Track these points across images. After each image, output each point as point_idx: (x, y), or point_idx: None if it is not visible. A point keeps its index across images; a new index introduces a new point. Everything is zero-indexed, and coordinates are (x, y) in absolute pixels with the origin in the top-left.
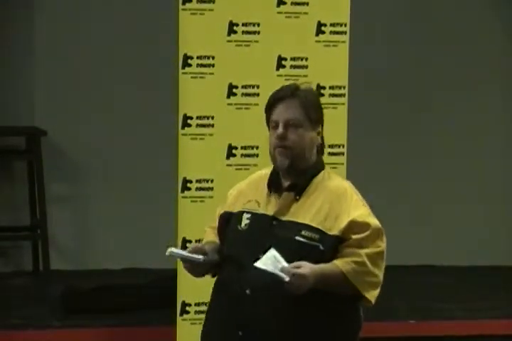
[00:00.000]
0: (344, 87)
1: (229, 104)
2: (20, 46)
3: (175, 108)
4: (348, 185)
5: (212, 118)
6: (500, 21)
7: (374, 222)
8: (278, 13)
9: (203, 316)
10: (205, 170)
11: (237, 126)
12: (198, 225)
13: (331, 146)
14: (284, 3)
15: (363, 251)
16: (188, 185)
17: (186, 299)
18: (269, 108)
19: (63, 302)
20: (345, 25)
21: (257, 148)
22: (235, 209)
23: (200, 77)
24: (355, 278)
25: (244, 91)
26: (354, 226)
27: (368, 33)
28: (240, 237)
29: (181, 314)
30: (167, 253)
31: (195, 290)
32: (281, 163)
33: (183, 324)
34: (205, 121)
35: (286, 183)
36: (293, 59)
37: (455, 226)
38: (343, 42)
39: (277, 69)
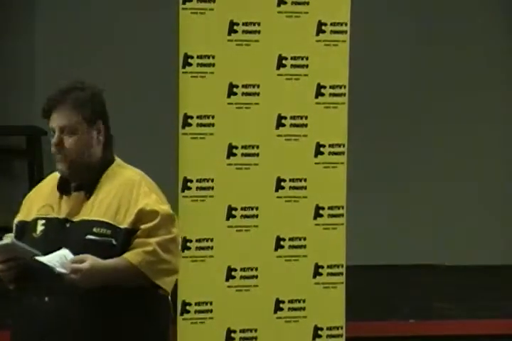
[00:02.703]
0: (344, 87)
1: (229, 104)
2: (20, 46)
3: (175, 107)
4: (138, 177)
5: (213, 117)
6: (502, 22)
7: (163, 208)
8: (278, 12)
9: (203, 315)
10: (206, 169)
11: (237, 126)
12: (199, 224)
13: (331, 146)
14: (285, 2)
15: (154, 240)
16: (189, 184)
17: (187, 298)
18: (45, 115)
19: None
20: (346, 25)
21: (258, 147)
22: (30, 218)
23: (201, 77)
24: (147, 268)
25: (245, 90)
26: (142, 215)
27: (367, 33)
28: (35, 245)
29: (182, 313)
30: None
31: (195, 290)
32: (60, 169)
33: (183, 323)
34: (205, 121)
35: (74, 184)
36: (293, 58)
37: (455, 226)
38: (344, 41)
39: (278, 68)
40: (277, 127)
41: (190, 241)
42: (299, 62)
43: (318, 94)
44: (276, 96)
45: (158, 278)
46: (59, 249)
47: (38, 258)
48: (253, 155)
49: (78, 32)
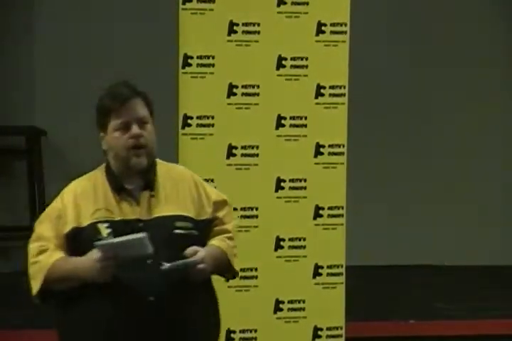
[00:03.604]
0: (344, 87)
1: (229, 104)
2: (20, 46)
3: (175, 108)
4: (187, 171)
5: (213, 118)
6: (501, 21)
7: (224, 196)
8: (278, 12)
9: None
10: (206, 169)
11: (237, 126)
12: None
13: (331, 146)
14: (284, 3)
15: (229, 226)
16: None
17: None
18: (114, 110)
19: None
20: (346, 25)
21: (257, 147)
22: (83, 224)
23: (201, 77)
24: (230, 253)
25: (245, 91)
26: (218, 205)
27: (367, 33)
28: None
29: None
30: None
31: None
32: (138, 162)
33: None
34: (205, 121)
35: (130, 184)
36: (293, 59)
37: (455, 226)
38: (343, 42)
39: (277, 69)
40: (277, 127)
41: None
42: (299, 62)
43: (318, 94)
44: (276, 96)
45: (234, 261)
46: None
47: (169, 265)
48: (253, 155)
49: (78, 32)
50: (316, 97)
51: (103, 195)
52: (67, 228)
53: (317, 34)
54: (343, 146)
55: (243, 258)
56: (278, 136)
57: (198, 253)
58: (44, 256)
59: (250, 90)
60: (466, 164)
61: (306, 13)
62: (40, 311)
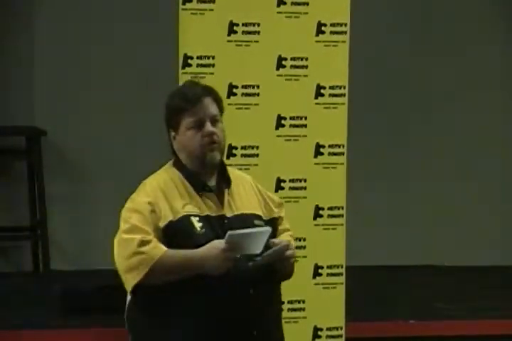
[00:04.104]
0: (344, 87)
1: (229, 104)
2: (20, 46)
3: None
4: (242, 172)
5: None
6: (501, 21)
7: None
8: (278, 13)
9: None
10: None
11: (237, 126)
12: None
13: (331, 146)
14: (284, 3)
15: (288, 226)
16: None
17: None
18: (188, 108)
19: (63, 302)
20: (346, 25)
21: (257, 147)
22: (176, 217)
23: (200, 77)
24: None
25: (245, 91)
26: (280, 206)
27: (367, 33)
28: (205, 241)
29: None
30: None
31: None
32: (212, 157)
33: None
34: None
35: (210, 181)
36: (293, 59)
37: (455, 226)
38: (343, 42)
39: (277, 69)
40: (277, 128)
41: None
42: (299, 62)
43: (318, 94)
44: (275, 96)
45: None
46: None
47: (265, 254)
48: (253, 155)
49: (78, 32)
50: (316, 97)
51: (185, 191)
52: (164, 222)
53: (317, 34)
54: (343, 146)
55: None
56: (278, 136)
57: (282, 242)
58: (149, 247)
59: (250, 90)
60: (467, 164)
61: (306, 13)
62: (41, 311)
